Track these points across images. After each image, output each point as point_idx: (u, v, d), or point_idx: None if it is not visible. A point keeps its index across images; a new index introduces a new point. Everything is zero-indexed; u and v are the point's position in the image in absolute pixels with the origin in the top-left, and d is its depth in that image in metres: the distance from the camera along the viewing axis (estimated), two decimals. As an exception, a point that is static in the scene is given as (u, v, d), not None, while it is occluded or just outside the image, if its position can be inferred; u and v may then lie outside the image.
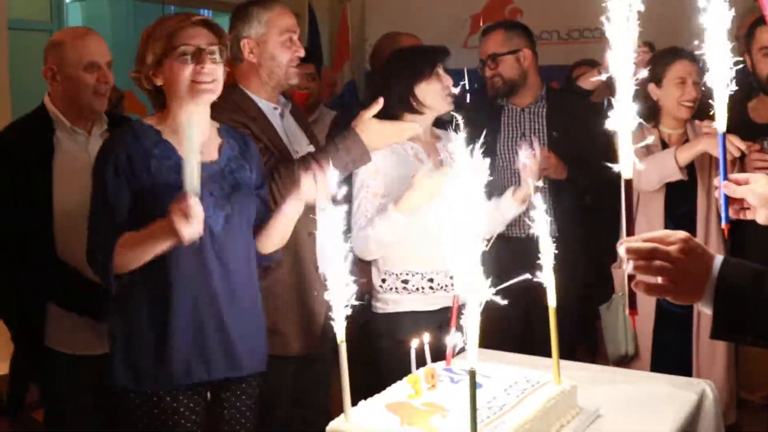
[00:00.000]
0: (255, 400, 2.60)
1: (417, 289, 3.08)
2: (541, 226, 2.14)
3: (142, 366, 2.36)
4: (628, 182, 1.48)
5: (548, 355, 2.25)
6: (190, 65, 2.36)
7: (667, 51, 3.51)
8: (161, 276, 2.35)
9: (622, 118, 1.45)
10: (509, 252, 3.21)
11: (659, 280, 1.48)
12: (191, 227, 2.15)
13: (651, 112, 3.46)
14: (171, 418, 2.38)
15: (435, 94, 3.07)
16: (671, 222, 3.40)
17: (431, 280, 3.06)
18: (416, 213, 2.92)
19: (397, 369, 2.24)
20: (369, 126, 2.81)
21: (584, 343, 4.08)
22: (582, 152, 3.42)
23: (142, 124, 2.45)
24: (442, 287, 3.07)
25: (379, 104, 2.82)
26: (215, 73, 2.39)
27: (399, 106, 3.07)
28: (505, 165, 3.69)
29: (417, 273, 3.07)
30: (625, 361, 3.49)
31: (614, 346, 3.51)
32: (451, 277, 3.01)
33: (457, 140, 1.76)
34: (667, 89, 3.42)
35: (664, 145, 3.44)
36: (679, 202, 3.44)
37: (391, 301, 3.10)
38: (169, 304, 2.36)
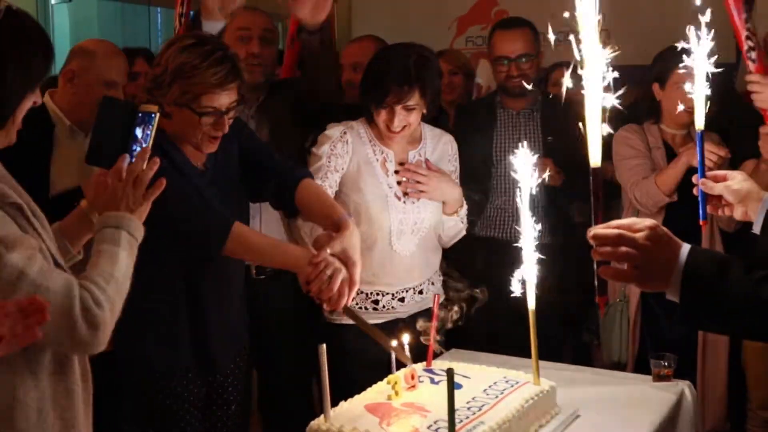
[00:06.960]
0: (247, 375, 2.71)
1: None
2: (526, 231, 2.15)
3: (160, 348, 2.41)
4: (596, 170, 1.51)
5: (541, 357, 2.26)
6: (209, 125, 2.30)
7: (671, 50, 2.91)
8: (180, 266, 2.42)
9: (590, 108, 1.48)
10: (497, 254, 3.22)
11: (625, 266, 1.51)
12: None
13: (652, 110, 3.35)
14: (177, 400, 2.42)
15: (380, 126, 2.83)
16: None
17: (378, 297, 2.86)
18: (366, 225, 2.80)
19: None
20: None
21: (573, 344, 4.07)
22: (576, 157, 3.32)
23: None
24: (386, 306, 2.86)
25: None
26: (225, 127, 2.33)
27: None
28: (501, 170, 3.47)
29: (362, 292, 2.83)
30: (618, 369, 3.31)
31: (608, 352, 3.44)
32: (394, 295, 2.86)
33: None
34: (671, 92, 3.19)
35: (667, 146, 3.33)
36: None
37: None
38: (193, 290, 2.45)
